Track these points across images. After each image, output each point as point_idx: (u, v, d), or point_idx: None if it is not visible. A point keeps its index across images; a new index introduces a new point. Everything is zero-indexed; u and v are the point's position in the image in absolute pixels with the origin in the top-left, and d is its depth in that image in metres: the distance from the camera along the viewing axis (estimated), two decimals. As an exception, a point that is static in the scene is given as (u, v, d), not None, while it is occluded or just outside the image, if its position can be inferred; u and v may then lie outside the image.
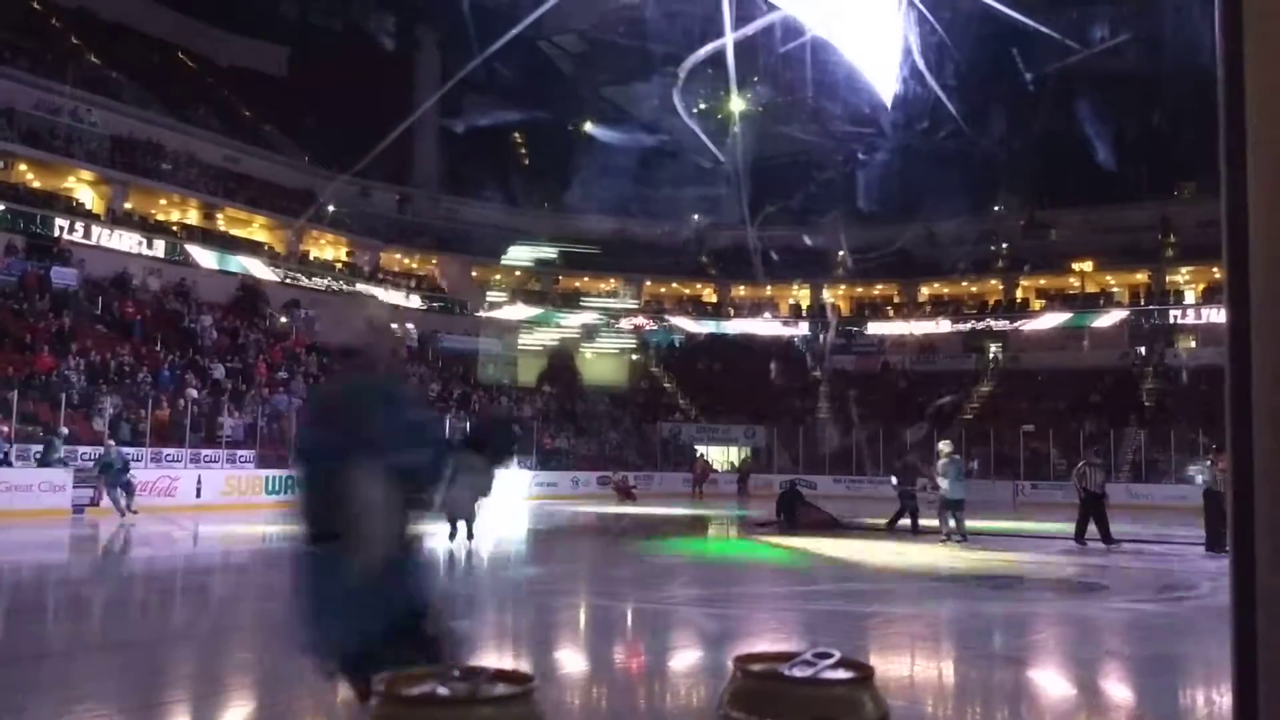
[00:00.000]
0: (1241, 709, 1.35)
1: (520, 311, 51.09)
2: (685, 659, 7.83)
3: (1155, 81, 34.95)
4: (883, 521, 19.48)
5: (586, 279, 54.48)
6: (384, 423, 2.88)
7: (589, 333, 52.88)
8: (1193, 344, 47.62)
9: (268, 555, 16.71)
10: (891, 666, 7.20)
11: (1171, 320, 48.70)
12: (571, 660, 7.74)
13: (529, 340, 50.96)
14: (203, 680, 6.66)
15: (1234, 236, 1.40)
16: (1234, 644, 1.40)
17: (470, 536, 16.01)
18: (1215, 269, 47.57)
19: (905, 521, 18.63)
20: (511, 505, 29.44)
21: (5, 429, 22.05)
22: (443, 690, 0.90)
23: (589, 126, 50.44)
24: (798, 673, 1.10)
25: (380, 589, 2.84)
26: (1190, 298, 49.09)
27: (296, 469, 3.11)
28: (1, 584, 12.17)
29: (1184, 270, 49.41)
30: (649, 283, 55.17)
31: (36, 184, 37.02)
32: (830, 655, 1.13)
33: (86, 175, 38.52)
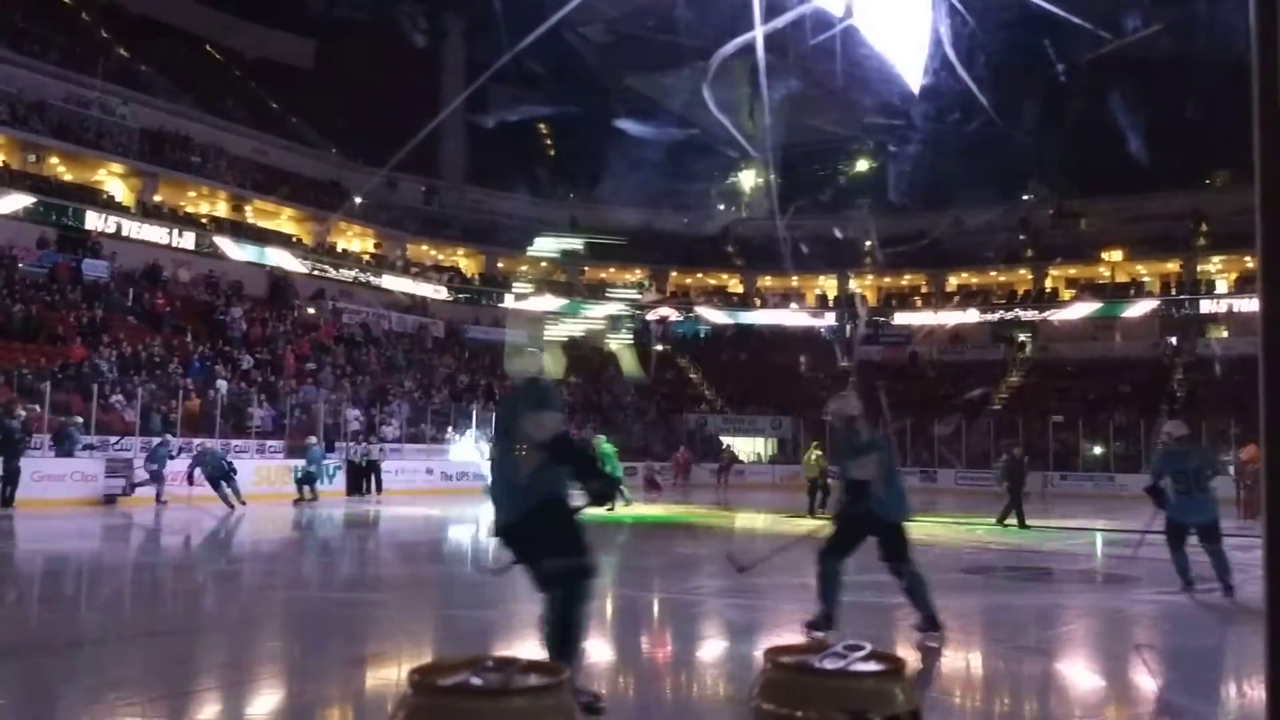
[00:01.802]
0: (1275, 702, 1.34)
1: (546, 302, 51.18)
2: (712, 650, 7.84)
3: (1187, 68, 34.54)
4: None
5: (612, 270, 54.51)
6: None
7: (614, 324, 52.92)
8: (1225, 334, 47.13)
9: (297, 544, 16.86)
10: (918, 658, 7.19)
11: (1203, 310, 48.22)
12: (598, 650, 7.76)
13: (554, 331, 51.06)
14: (232, 669, 6.72)
15: (1269, 224, 1.39)
16: (1268, 636, 1.39)
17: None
18: (1247, 258, 47.01)
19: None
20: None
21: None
22: (476, 681, 0.90)
23: (614, 117, 50.36)
24: (829, 665, 1.10)
25: None
26: (1222, 287, 48.62)
27: None
28: (35, 573, 12.32)
29: (1216, 259, 48.89)
30: (675, 273, 55.13)
31: (67, 177, 37.42)
32: (861, 648, 1.12)
33: (116, 168, 38.88)
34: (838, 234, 49.35)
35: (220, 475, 20.58)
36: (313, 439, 25.28)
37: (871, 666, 1.12)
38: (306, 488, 23.29)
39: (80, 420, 22.81)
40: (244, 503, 20.57)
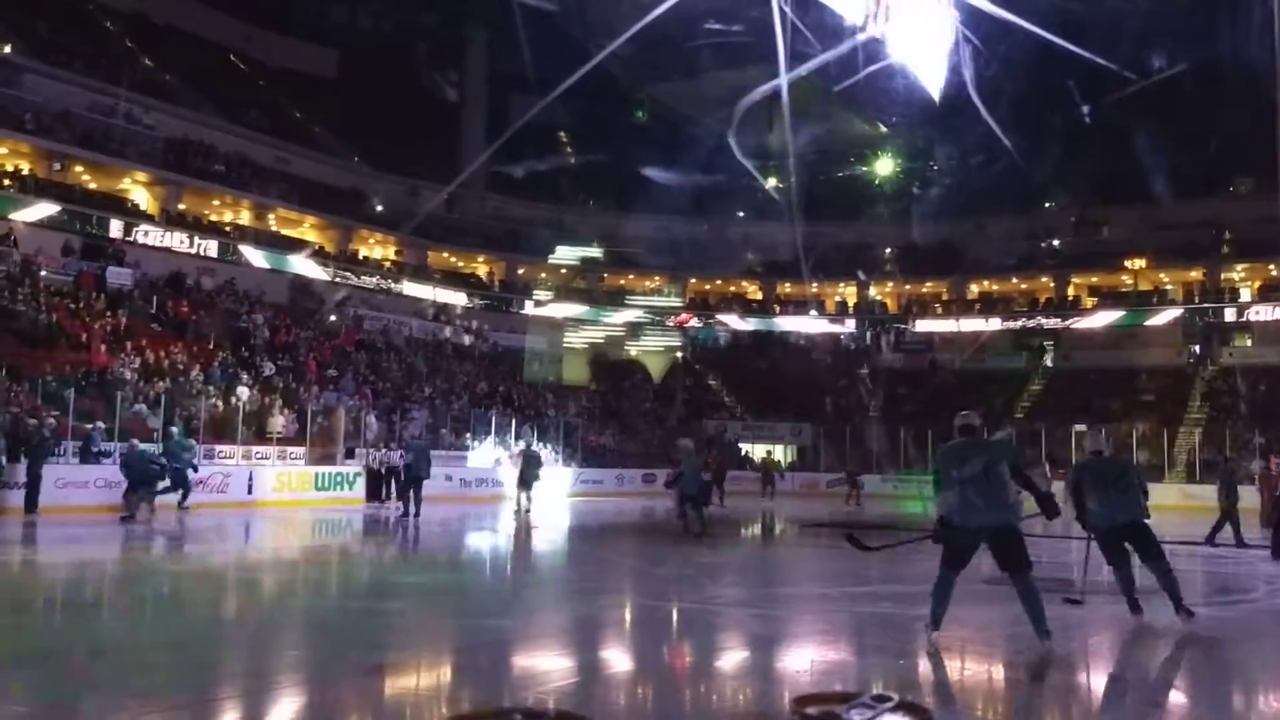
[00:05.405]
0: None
1: (566, 309, 51.27)
2: (731, 661, 7.81)
3: (1210, 77, 34.36)
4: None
5: (631, 277, 54.53)
6: None
7: (634, 330, 53.04)
8: (1248, 342, 46.77)
9: (317, 551, 16.90)
10: (940, 670, 7.15)
11: (1226, 318, 47.84)
12: (618, 660, 7.75)
13: (574, 338, 51.21)
14: (252, 676, 6.75)
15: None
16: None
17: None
18: (1271, 266, 46.75)
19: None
20: (557, 502, 29.53)
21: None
22: None
23: (635, 126, 50.59)
24: (856, 716, 1.08)
25: None
26: (1246, 295, 48.23)
27: None
28: (57, 580, 12.38)
29: (1239, 267, 48.57)
30: (694, 280, 55.10)
31: (92, 185, 37.71)
32: (889, 699, 1.11)
33: (141, 177, 39.16)
34: (858, 243, 49.32)
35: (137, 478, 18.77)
36: (174, 428, 21.76)
37: (899, 718, 1.10)
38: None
39: (102, 425, 22.84)
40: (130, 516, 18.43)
